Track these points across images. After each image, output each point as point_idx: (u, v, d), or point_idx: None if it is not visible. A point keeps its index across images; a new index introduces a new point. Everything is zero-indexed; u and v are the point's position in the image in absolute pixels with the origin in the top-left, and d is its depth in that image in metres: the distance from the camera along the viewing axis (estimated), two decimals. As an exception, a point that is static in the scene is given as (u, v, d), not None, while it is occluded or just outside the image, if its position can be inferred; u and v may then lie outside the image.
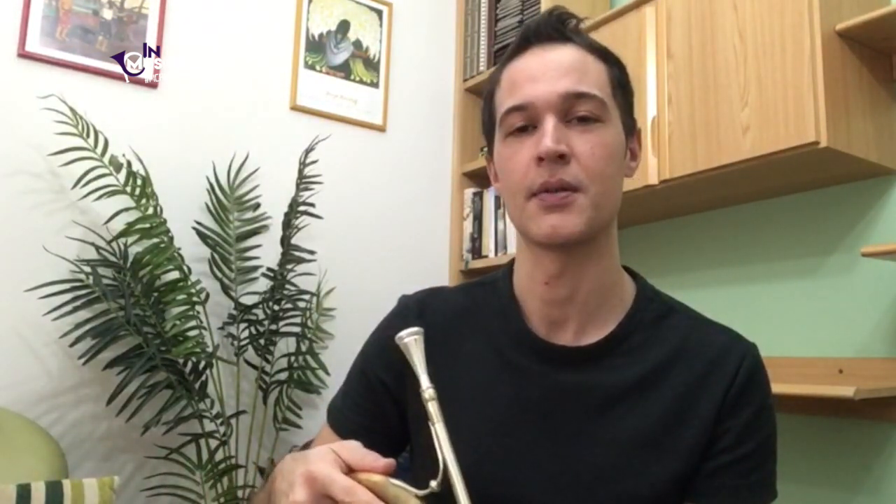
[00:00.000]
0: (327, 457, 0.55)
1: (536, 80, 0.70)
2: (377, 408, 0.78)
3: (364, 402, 0.79)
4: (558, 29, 0.73)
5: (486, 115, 0.78)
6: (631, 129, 0.76)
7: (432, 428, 0.56)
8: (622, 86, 0.75)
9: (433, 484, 0.53)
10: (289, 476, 0.58)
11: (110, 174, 1.67)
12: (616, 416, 0.70)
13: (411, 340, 0.60)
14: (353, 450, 0.56)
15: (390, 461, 0.55)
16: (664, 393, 0.70)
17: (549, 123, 0.68)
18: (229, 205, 1.92)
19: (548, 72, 0.70)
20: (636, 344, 0.73)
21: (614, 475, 0.68)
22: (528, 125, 0.70)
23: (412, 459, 0.81)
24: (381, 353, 0.79)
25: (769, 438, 0.72)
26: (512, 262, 0.82)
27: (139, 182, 1.68)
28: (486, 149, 0.81)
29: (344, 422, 0.79)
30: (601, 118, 0.70)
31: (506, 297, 0.78)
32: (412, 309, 0.80)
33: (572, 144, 0.68)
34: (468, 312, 0.79)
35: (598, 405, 0.70)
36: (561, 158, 0.67)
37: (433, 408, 0.57)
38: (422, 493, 0.53)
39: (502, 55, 0.77)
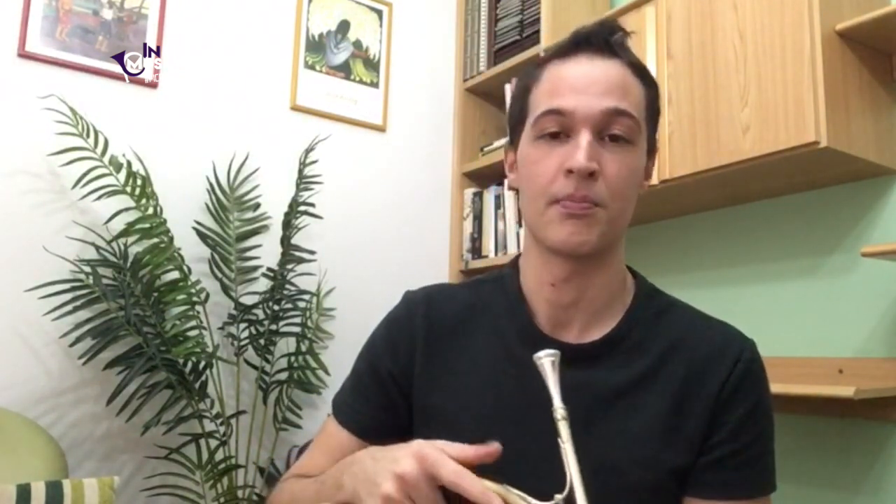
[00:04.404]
0: (429, 445, 0.56)
1: (579, 91, 0.70)
2: (387, 401, 0.79)
3: (374, 395, 0.80)
4: (608, 42, 0.73)
5: (517, 109, 0.78)
6: (652, 150, 0.78)
7: (562, 445, 0.57)
8: (654, 109, 0.76)
9: (558, 497, 0.53)
10: (372, 466, 0.59)
11: (110, 174, 1.67)
12: (619, 411, 0.72)
13: (548, 361, 0.61)
14: (447, 444, 0.57)
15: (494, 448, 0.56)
16: (663, 387, 0.72)
17: (585, 139, 0.69)
18: (229, 205, 1.92)
19: (592, 84, 0.71)
20: (636, 341, 0.75)
21: (620, 468, 0.70)
22: (562, 132, 0.71)
23: None
24: (389, 347, 0.80)
25: (765, 433, 0.73)
26: (516, 261, 0.83)
27: (139, 182, 1.68)
28: (508, 139, 0.82)
29: (354, 415, 0.80)
30: (633, 140, 0.71)
31: (513, 294, 0.79)
32: (419, 304, 0.82)
33: (602, 163, 0.70)
34: (475, 308, 0.81)
35: (602, 401, 0.72)
36: (590, 176, 0.69)
37: (563, 427, 0.58)
38: None
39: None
